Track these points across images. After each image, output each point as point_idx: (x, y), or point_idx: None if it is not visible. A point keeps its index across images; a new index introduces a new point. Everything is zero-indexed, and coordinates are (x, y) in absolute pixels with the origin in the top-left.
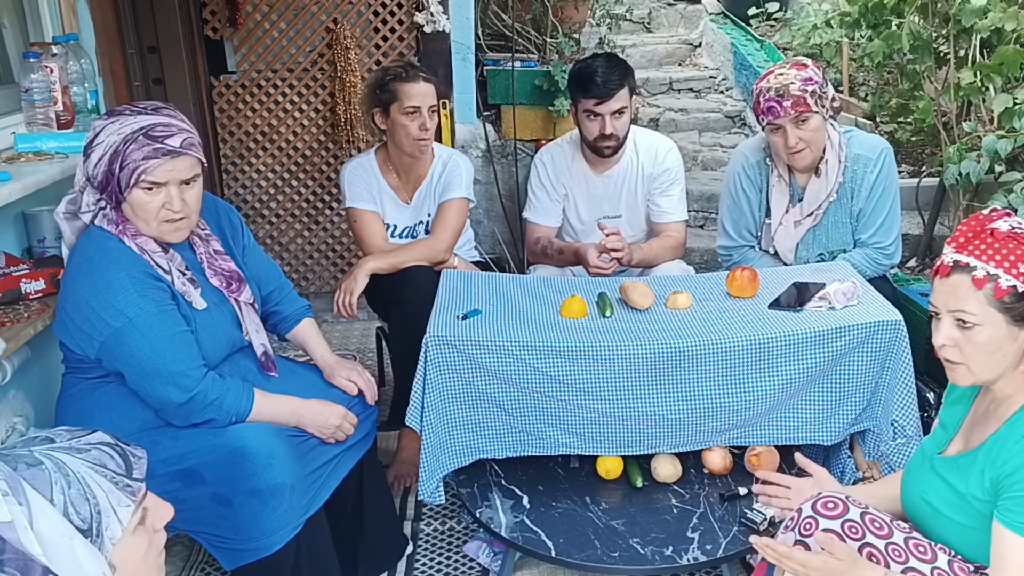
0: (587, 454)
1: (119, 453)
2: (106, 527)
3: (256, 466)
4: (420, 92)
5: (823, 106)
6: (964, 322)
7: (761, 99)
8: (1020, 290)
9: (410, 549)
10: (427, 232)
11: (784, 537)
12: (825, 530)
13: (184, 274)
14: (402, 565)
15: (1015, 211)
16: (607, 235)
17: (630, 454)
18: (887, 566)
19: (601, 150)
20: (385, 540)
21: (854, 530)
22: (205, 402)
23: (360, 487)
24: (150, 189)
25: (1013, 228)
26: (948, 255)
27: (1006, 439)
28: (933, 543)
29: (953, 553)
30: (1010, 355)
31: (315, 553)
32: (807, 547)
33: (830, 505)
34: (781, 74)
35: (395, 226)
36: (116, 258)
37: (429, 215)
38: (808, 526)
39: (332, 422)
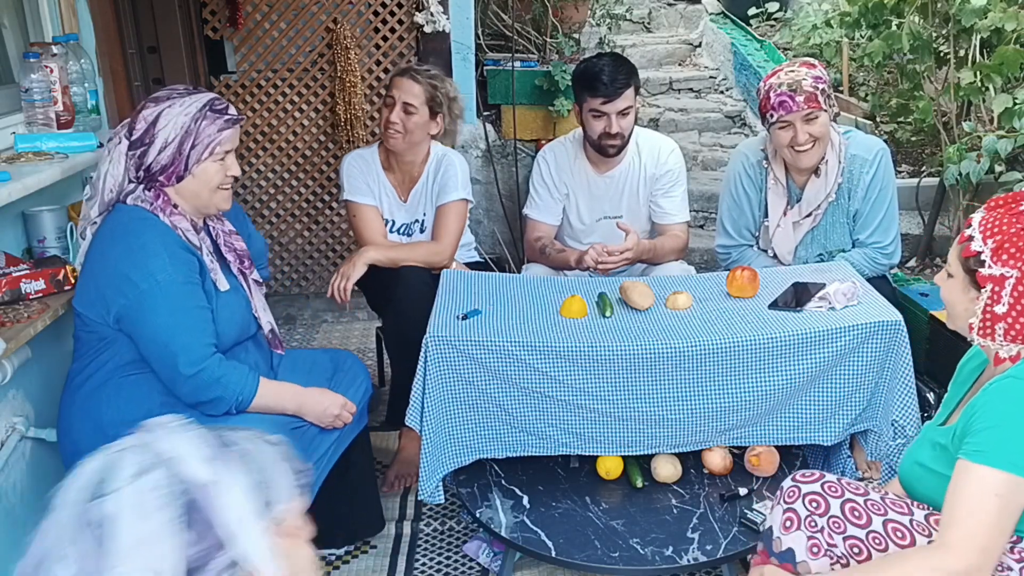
0: (587, 454)
1: (294, 458)
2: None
3: None
4: (401, 86)
5: (830, 106)
6: (948, 274)
7: (772, 94)
8: (983, 258)
9: (405, 543)
10: (422, 231)
11: (771, 515)
12: (808, 493)
13: (212, 256)
14: (402, 565)
15: None
16: (625, 235)
17: (630, 454)
18: (869, 520)
19: (606, 149)
20: (363, 514)
21: (833, 489)
22: (211, 378)
23: (347, 459)
24: (222, 159)
25: None
26: (978, 210)
27: (980, 394)
28: (909, 501)
29: (929, 508)
30: (966, 312)
31: None
32: (796, 513)
33: (807, 474)
34: (792, 71)
35: (393, 221)
36: (152, 225)
37: (424, 214)
38: (791, 494)
39: (331, 411)
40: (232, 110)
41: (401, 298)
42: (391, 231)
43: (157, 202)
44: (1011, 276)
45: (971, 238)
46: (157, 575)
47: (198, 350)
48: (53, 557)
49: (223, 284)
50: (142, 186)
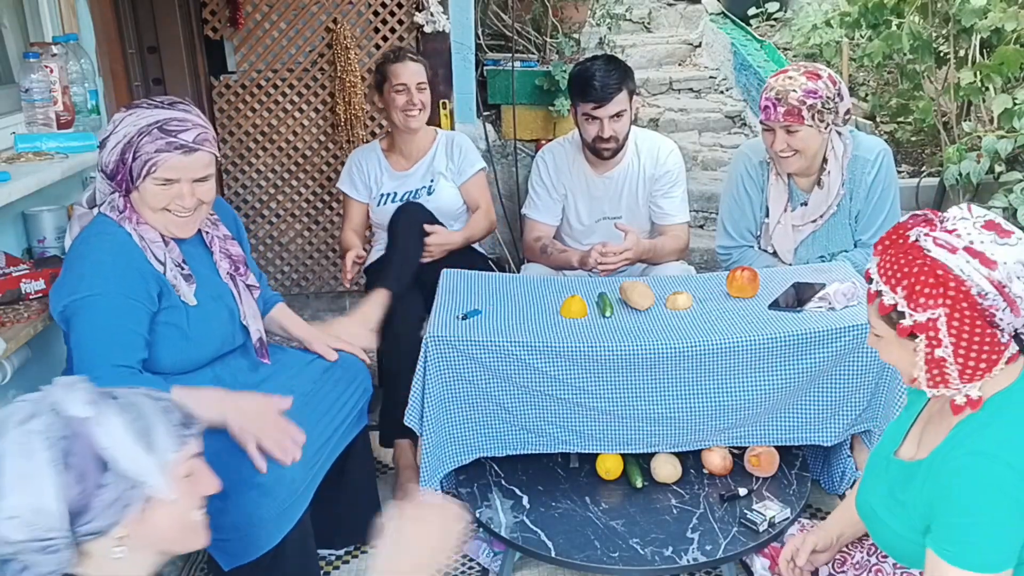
0: (587, 452)
1: (183, 413)
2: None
3: (253, 459)
4: (407, 71)
5: (822, 120)
6: (876, 335)
7: (763, 95)
8: (900, 308)
9: None
10: (429, 193)
11: None
12: None
13: (181, 268)
14: None
15: (1015, 211)
16: (624, 235)
17: (630, 452)
18: None
19: (600, 152)
20: (362, 515)
21: None
22: None
23: (347, 459)
24: (164, 184)
25: (917, 240)
26: (871, 258)
27: (944, 456)
28: None
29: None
30: (916, 364)
31: (305, 548)
32: None
33: None
34: (790, 78)
35: (394, 193)
36: (111, 241)
37: (432, 180)
38: None
39: (267, 417)
40: (192, 136)
41: (396, 325)
42: (391, 201)
43: (125, 211)
44: (938, 315)
45: (880, 292)
46: (36, 510)
47: (99, 369)
48: None
49: (190, 300)
50: (116, 193)
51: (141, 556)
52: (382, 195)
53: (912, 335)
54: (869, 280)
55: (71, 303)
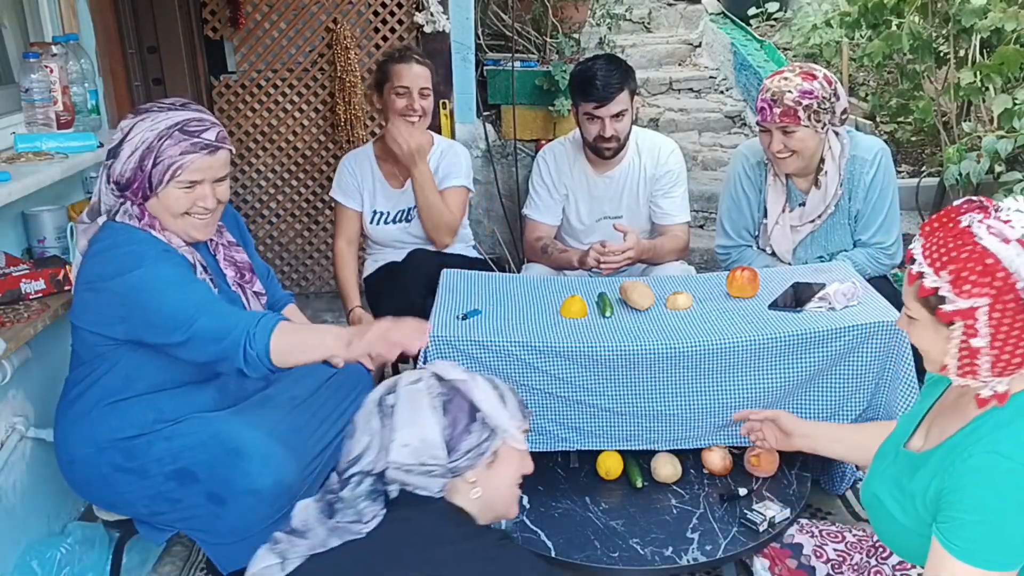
0: (587, 449)
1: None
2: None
3: (251, 465)
4: (411, 73)
5: (819, 120)
6: (910, 317)
7: (759, 97)
8: (942, 293)
9: None
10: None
11: None
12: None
13: (206, 271)
14: None
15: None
16: (623, 236)
17: (629, 448)
18: None
19: (602, 151)
20: None
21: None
22: (205, 337)
23: None
24: (189, 188)
25: (969, 226)
26: (915, 239)
27: (960, 450)
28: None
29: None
30: (946, 351)
31: None
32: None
33: None
34: (785, 79)
35: (387, 213)
36: (141, 238)
37: None
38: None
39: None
40: (214, 135)
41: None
42: (386, 222)
43: (144, 219)
44: (982, 305)
45: (922, 274)
46: (422, 440)
47: (193, 307)
48: (357, 431)
49: None
50: (129, 202)
51: (480, 503)
52: (375, 212)
53: (951, 322)
54: (911, 261)
55: (132, 275)
